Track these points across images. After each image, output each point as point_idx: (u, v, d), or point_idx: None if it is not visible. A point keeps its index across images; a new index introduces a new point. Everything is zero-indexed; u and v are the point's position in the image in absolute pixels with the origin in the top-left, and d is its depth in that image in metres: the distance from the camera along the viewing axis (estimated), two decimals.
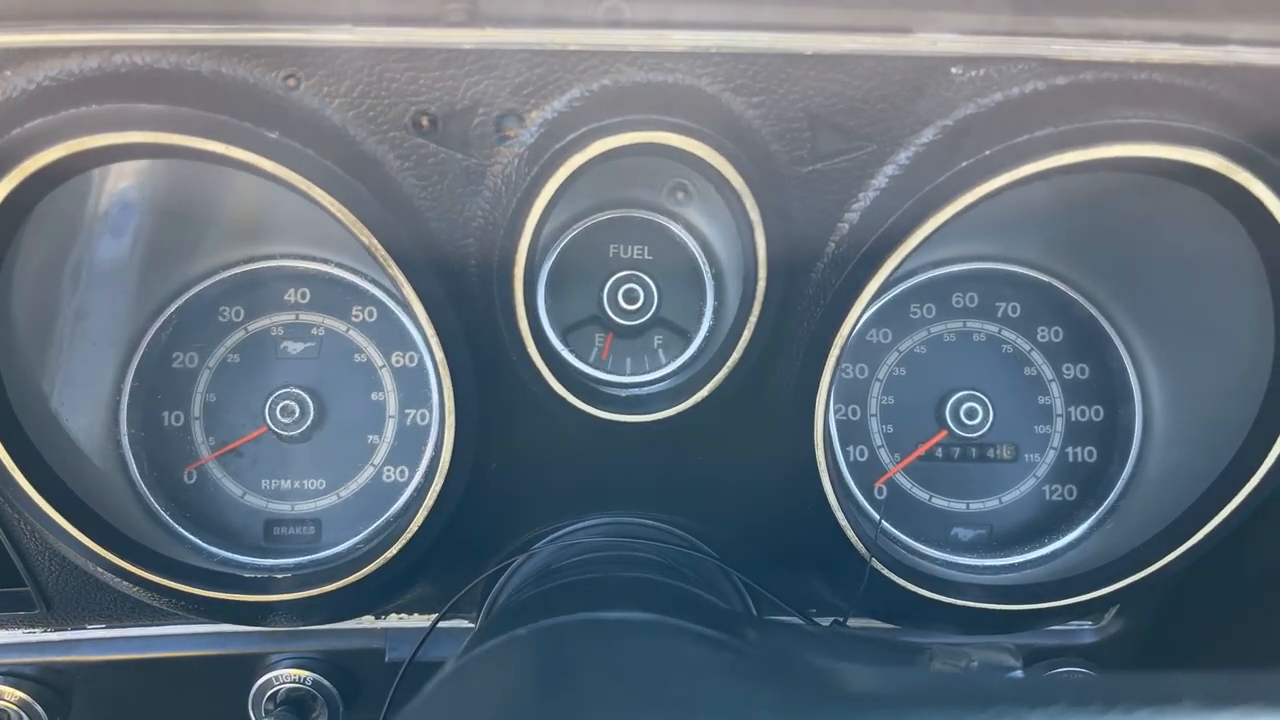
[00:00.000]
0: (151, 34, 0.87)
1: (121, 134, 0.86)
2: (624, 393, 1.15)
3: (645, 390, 1.16)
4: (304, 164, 0.90)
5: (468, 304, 1.03)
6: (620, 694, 0.54)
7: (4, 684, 1.31)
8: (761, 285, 1.02)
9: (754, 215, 0.98)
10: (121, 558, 1.09)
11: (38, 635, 1.30)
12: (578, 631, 0.66)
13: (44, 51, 0.87)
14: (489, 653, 0.68)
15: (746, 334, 1.05)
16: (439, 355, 1.02)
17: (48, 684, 1.33)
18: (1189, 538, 1.13)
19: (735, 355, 1.07)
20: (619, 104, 0.94)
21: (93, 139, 0.86)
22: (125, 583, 1.12)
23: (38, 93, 0.86)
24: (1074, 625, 1.38)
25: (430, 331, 1.00)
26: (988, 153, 0.95)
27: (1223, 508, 1.11)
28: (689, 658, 0.60)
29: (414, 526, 1.11)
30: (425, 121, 0.93)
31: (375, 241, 0.93)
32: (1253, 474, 1.09)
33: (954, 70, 0.96)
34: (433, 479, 1.10)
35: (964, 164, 0.96)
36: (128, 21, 0.86)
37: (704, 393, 1.08)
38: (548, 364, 1.06)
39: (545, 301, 1.20)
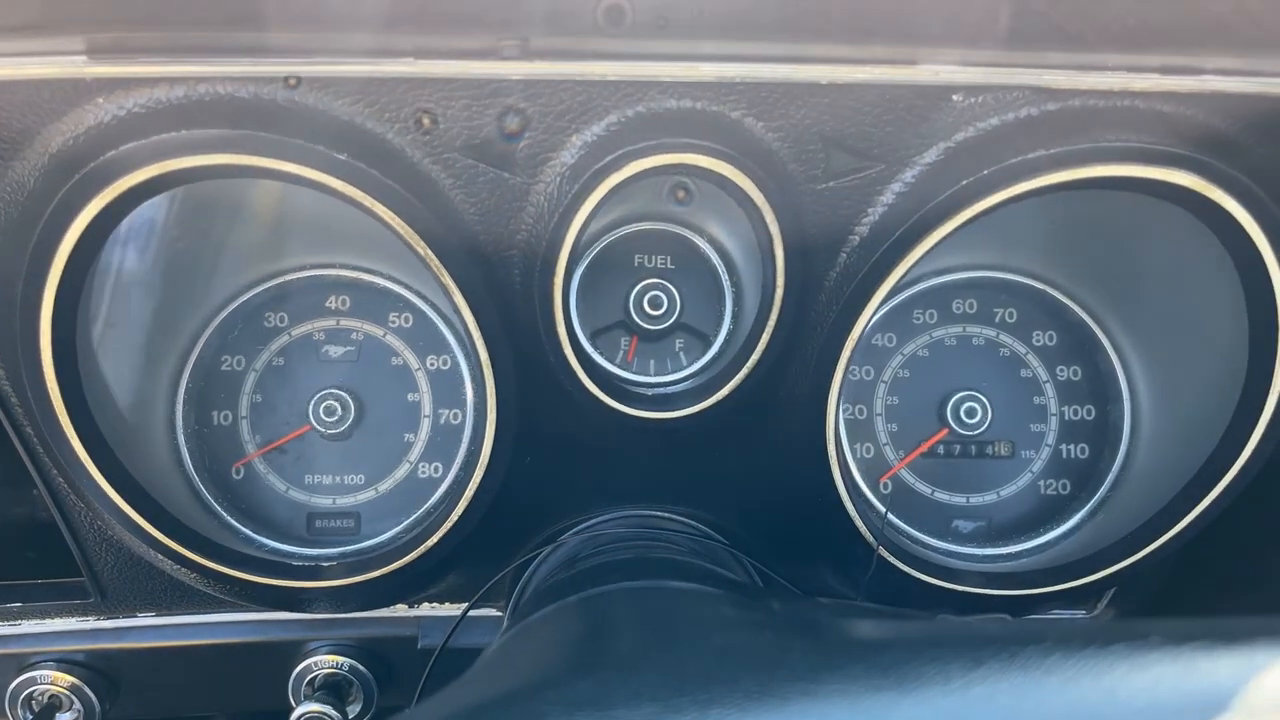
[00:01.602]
0: (231, 67, 0.94)
1: (206, 156, 0.92)
2: (650, 391, 1.20)
3: (670, 389, 1.21)
4: (369, 183, 0.96)
5: (509, 309, 1.08)
6: (670, 645, 0.63)
7: (57, 670, 1.32)
8: (779, 293, 1.07)
9: (773, 229, 1.04)
10: (186, 547, 1.13)
11: (90, 623, 1.33)
12: (626, 597, 0.74)
13: (134, 82, 0.93)
14: (546, 617, 0.76)
15: (765, 337, 1.10)
16: (484, 356, 1.06)
17: (98, 669, 1.34)
18: (1173, 527, 1.18)
19: (754, 357, 1.11)
20: (652, 128, 1.00)
21: (178, 161, 0.92)
22: (186, 570, 1.16)
23: (128, 119, 0.93)
24: (1068, 614, 1.42)
25: (477, 334, 1.05)
26: (985, 172, 1.01)
27: (1204, 499, 1.16)
28: (727, 616, 0.68)
29: (455, 515, 1.15)
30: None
31: (430, 253, 0.99)
32: (1230, 467, 1.14)
33: (955, 97, 1.01)
34: (471, 473, 1.14)
35: (963, 182, 1.02)
36: (210, 55, 0.93)
37: (725, 391, 1.13)
38: (581, 365, 1.11)
39: (577, 306, 1.25)
